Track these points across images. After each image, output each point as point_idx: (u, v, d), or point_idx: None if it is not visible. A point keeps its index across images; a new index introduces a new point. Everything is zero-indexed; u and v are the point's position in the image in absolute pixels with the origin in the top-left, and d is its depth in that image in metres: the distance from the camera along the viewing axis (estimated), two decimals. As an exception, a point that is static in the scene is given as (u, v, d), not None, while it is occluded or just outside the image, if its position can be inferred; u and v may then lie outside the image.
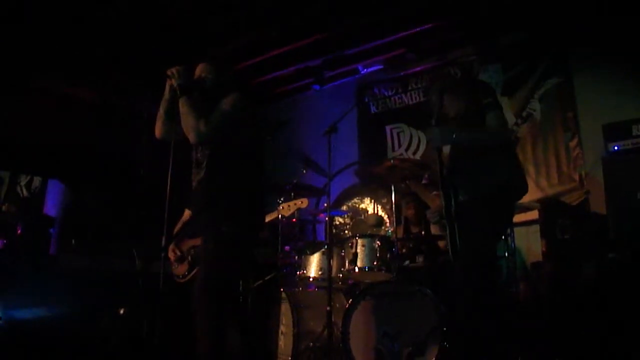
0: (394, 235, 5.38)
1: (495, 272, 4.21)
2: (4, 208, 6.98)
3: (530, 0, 6.48)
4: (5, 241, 6.15)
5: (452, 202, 4.08)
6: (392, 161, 5.62)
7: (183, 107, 3.91)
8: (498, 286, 4.97)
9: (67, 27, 6.91)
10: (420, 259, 5.38)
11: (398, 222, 5.60)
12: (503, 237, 5.07)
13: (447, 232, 4.08)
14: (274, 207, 5.84)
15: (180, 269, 4.50)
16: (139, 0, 6.54)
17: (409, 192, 5.97)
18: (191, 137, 3.90)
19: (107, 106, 8.02)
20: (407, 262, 5.33)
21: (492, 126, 4.05)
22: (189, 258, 4.46)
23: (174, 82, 3.99)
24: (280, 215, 5.76)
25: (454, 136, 4.11)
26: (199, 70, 4.21)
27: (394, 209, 5.50)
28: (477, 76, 6.89)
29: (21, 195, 7.70)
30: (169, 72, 4.02)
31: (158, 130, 4.22)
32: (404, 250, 5.36)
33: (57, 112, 7.71)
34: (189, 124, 3.86)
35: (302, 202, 5.68)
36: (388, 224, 6.81)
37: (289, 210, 5.72)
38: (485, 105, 4.10)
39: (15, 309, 5.35)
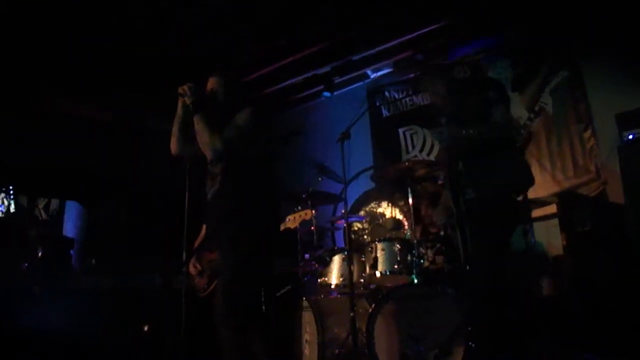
0: (413, 238, 5.36)
1: (506, 268, 4.22)
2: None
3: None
4: (26, 264, 6.20)
5: (461, 203, 4.16)
6: (407, 163, 5.65)
7: (198, 124, 4.00)
8: (513, 282, 4.99)
9: (79, 49, 7.01)
10: (440, 260, 5.34)
11: (417, 224, 5.59)
12: (521, 232, 5.09)
13: (458, 232, 4.18)
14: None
15: (200, 283, 4.53)
16: (146, 16, 6.61)
17: (427, 193, 5.99)
18: (208, 153, 4.02)
19: (121, 125, 8.10)
20: (426, 264, 5.30)
21: (496, 121, 4.12)
22: (208, 271, 4.49)
23: (187, 100, 4.08)
24: (284, 227, 5.78)
25: (464, 132, 4.20)
26: (210, 84, 4.29)
27: (412, 211, 5.50)
28: (486, 73, 6.91)
29: (40, 218, 7.77)
30: (180, 90, 4.12)
31: (173, 147, 4.31)
32: (422, 251, 5.33)
33: (71, 134, 7.79)
34: (205, 140, 3.97)
35: (306, 214, 5.69)
36: (406, 227, 6.81)
37: (295, 222, 5.73)
38: (489, 100, 4.17)
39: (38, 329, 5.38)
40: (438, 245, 5.34)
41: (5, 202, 6.66)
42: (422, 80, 5.33)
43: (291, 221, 5.73)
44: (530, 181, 4.33)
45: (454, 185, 4.29)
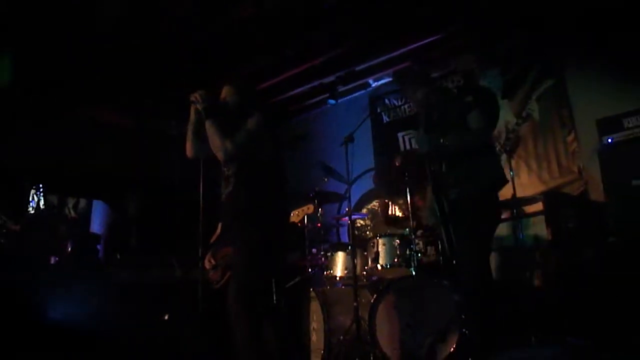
0: (411, 234, 5.52)
1: (490, 262, 4.36)
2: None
3: (525, 9, 6.66)
4: (57, 258, 6.44)
5: (445, 203, 4.31)
6: (398, 157, 5.88)
7: (210, 129, 4.16)
8: (504, 274, 5.22)
9: (110, 63, 7.26)
10: (431, 250, 5.55)
11: (413, 218, 5.70)
12: (511, 228, 5.33)
13: (442, 230, 4.34)
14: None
15: (214, 276, 4.60)
16: (162, 30, 6.84)
17: (419, 188, 6.10)
18: (220, 156, 4.18)
19: (143, 130, 8.33)
20: (419, 256, 5.49)
21: (472, 127, 4.27)
22: (222, 265, 4.57)
23: (199, 107, 4.25)
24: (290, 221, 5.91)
25: (441, 141, 4.35)
26: (224, 92, 4.45)
27: (410, 208, 5.66)
28: (477, 81, 7.08)
29: (69, 216, 8.01)
30: (192, 98, 4.28)
31: (189, 151, 4.47)
32: (417, 242, 5.52)
33: (98, 138, 8.06)
34: (216, 144, 4.12)
35: (308, 208, 5.93)
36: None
37: (298, 216, 5.96)
38: (466, 105, 4.34)
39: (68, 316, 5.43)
40: (430, 238, 5.59)
41: (36, 198, 6.80)
42: (405, 90, 5.45)
43: (295, 216, 5.96)
44: (505, 180, 4.50)
45: (436, 188, 4.44)
